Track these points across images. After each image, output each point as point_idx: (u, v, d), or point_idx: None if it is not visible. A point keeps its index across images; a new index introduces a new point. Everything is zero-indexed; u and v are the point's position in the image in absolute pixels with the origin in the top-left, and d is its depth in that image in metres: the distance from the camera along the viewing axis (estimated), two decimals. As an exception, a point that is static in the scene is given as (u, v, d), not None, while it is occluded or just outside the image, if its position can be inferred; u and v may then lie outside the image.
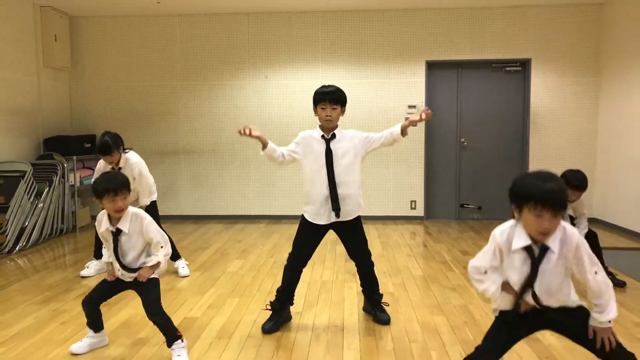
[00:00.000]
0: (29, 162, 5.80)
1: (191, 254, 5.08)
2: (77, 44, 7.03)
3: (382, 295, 3.36)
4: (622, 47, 6.11)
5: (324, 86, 3.19)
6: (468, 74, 6.92)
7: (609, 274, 3.82)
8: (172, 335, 2.70)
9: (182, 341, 2.73)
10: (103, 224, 2.73)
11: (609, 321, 1.94)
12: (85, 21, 7.02)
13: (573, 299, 2.01)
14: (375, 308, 3.31)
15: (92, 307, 2.83)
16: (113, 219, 2.70)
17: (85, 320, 2.88)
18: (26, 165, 5.61)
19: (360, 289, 3.39)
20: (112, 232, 2.68)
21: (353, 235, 3.20)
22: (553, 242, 1.87)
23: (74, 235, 6.09)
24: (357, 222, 3.18)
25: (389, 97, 6.89)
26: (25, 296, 3.86)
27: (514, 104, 6.88)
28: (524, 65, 6.79)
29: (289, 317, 3.27)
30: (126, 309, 3.53)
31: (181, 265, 4.37)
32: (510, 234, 1.93)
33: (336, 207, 3.03)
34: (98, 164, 4.25)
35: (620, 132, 6.17)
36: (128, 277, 2.72)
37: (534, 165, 6.79)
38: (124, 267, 2.68)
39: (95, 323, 2.87)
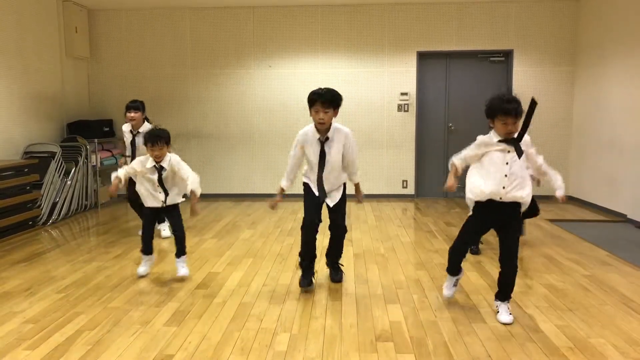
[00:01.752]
0: (57, 143, 6.39)
1: (206, 225, 5.73)
2: (95, 35, 7.58)
3: (340, 257, 3.82)
4: (596, 40, 6.72)
5: (318, 89, 3.35)
6: (456, 64, 7.52)
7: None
8: (183, 248, 3.85)
9: (183, 256, 3.86)
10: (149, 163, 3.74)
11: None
12: (103, 14, 7.56)
13: (527, 193, 2.94)
14: (331, 269, 3.80)
15: (149, 234, 3.91)
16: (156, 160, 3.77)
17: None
18: (56, 146, 6.21)
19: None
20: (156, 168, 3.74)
21: (337, 208, 3.59)
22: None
23: (96, 211, 6.71)
24: (342, 199, 3.60)
25: (382, 85, 7.49)
26: (69, 257, 4.50)
27: (498, 91, 7.46)
28: (507, 55, 7.39)
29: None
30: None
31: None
32: (489, 139, 2.97)
33: (323, 196, 3.51)
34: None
35: (594, 117, 6.80)
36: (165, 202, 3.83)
37: (515, 148, 7.41)
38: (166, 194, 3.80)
39: (148, 248, 3.90)
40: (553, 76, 7.31)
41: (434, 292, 3.57)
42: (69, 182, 6.23)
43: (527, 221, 5.81)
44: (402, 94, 7.47)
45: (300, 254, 3.68)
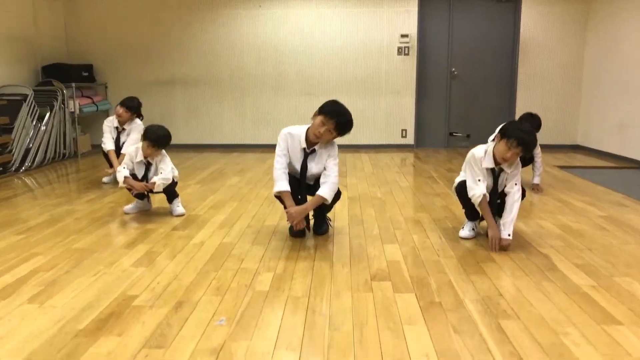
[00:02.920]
0: (30, 87, 5.93)
1: (191, 173, 5.34)
2: (69, -29, 7.01)
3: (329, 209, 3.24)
4: (612, -27, 6.19)
5: (340, 106, 2.90)
6: (460, 4, 6.99)
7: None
8: (174, 194, 3.69)
9: (178, 197, 3.74)
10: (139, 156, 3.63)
11: (508, 235, 2.83)
12: (77, -52, 6.97)
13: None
14: (317, 220, 3.22)
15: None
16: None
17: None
18: (27, 89, 5.76)
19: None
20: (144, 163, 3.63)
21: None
22: (505, 166, 2.85)
23: (76, 160, 6.31)
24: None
25: (381, 26, 6.98)
26: (38, 200, 4.13)
27: (505, 34, 7.00)
28: (515, -7, 6.86)
29: None
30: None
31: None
32: (480, 159, 2.87)
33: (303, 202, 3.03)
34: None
35: (606, 59, 6.34)
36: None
37: (522, 94, 6.99)
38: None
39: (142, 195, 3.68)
40: (564, 15, 6.80)
41: (437, 232, 3.22)
42: (43, 128, 5.80)
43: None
44: (402, 36, 6.96)
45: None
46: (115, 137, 4.75)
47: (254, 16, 7.04)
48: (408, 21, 6.95)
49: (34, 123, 5.72)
